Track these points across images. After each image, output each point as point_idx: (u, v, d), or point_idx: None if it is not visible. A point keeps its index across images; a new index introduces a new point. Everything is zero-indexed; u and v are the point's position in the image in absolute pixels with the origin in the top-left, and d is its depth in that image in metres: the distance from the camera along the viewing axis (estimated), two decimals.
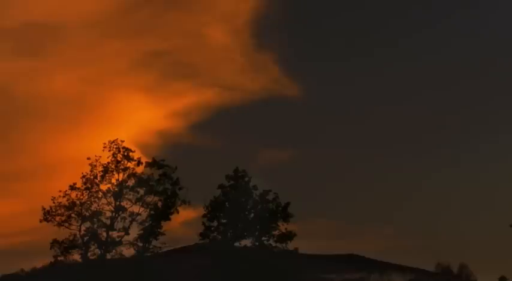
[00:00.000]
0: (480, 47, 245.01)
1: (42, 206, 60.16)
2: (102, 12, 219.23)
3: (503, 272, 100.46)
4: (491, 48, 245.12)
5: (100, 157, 61.17)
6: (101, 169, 60.91)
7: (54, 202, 60.03)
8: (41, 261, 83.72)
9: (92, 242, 60.02)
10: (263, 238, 62.38)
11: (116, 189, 60.84)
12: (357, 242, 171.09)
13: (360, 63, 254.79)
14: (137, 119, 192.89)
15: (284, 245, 62.19)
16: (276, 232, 62.31)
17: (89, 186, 60.57)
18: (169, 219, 61.82)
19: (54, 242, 59.50)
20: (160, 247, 61.51)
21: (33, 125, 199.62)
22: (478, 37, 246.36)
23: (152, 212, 61.02)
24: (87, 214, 60.25)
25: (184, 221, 66.96)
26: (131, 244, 60.52)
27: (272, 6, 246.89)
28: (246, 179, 63.55)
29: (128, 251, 60.85)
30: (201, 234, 62.53)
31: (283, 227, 62.42)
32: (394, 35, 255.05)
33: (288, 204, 62.99)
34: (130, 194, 60.97)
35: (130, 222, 60.53)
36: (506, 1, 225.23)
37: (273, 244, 62.24)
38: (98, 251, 60.21)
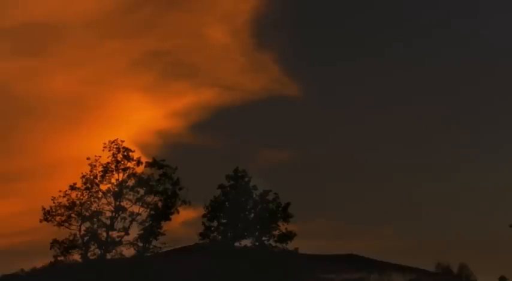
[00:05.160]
0: (487, 48, 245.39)
1: (42, 206, 60.18)
2: (101, 12, 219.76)
3: (503, 272, 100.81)
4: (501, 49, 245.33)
5: (100, 157, 61.19)
6: (100, 169, 60.86)
7: (54, 202, 59.99)
8: (41, 261, 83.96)
9: (92, 242, 59.95)
10: (263, 238, 62.34)
11: (116, 189, 60.78)
12: (356, 242, 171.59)
13: (360, 63, 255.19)
14: (137, 119, 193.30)
15: (284, 245, 62.18)
16: (276, 232, 62.28)
17: (89, 186, 60.50)
18: (170, 219, 61.78)
19: (54, 242, 59.43)
20: (160, 247, 61.47)
21: (34, 125, 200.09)
22: (483, 39, 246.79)
23: (152, 212, 60.98)
24: (87, 214, 60.19)
25: (184, 221, 67.00)
26: (131, 244, 60.47)
27: (272, 6, 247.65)
28: (246, 179, 63.50)
29: (128, 251, 60.88)
30: (201, 234, 62.50)
31: (283, 227, 62.42)
32: (394, 36, 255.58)
33: (288, 204, 62.98)
34: (130, 194, 60.95)
35: (131, 222, 60.50)
36: None
37: (273, 244, 62.20)
38: (98, 251, 60.14)
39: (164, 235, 61.11)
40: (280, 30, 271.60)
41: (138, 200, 60.98)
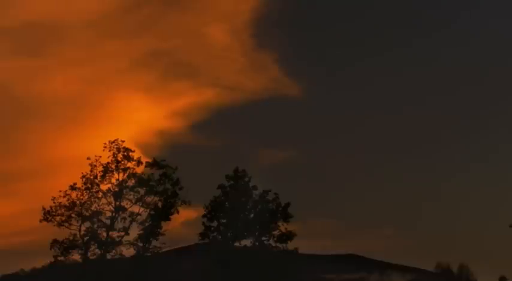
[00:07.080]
0: (488, 49, 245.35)
1: (42, 206, 60.11)
2: (102, 12, 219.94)
3: (503, 272, 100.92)
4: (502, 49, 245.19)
5: (100, 156, 61.14)
6: (101, 169, 60.85)
7: (54, 202, 59.94)
8: (41, 261, 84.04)
9: (92, 242, 59.95)
10: (263, 238, 62.39)
11: (116, 189, 60.79)
12: (356, 242, 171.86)
13: (360, 63, 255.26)
14: (137, 119, 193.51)
15: (284, 245, 62.21)
16: (276, 232, 62.32)
17: (89, 186, 60.47)
18: (170, 219, 61.77)
19: (54, 242, 59.41)
20: (160, 247, 61.44)
21: (34, 125, 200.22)
22: (483, 39, 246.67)
23: (152, 212, 60.99)
24: (87, 214, 60.17)
25: (184, 221, 67.16)
26: (131, 244, 60.48)
27: (272, 6, 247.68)
28: (246, 179, 63.54)
29: (128, 251, 60.87)
30: (201, 234, 62.54)
31: (283, 227, 62.47)
32: (394, 37, 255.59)
33: (288, 204, 63.02)
34: (130, 194, 60.92)
35: (130, 222, 60.49)
36: None
37: (273, 244, 62.25)
38: (97, 251, 60.14)
39: (164, 235, 61.16)
40: (280, 30, 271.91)
41: (138, 200, 60.98)
